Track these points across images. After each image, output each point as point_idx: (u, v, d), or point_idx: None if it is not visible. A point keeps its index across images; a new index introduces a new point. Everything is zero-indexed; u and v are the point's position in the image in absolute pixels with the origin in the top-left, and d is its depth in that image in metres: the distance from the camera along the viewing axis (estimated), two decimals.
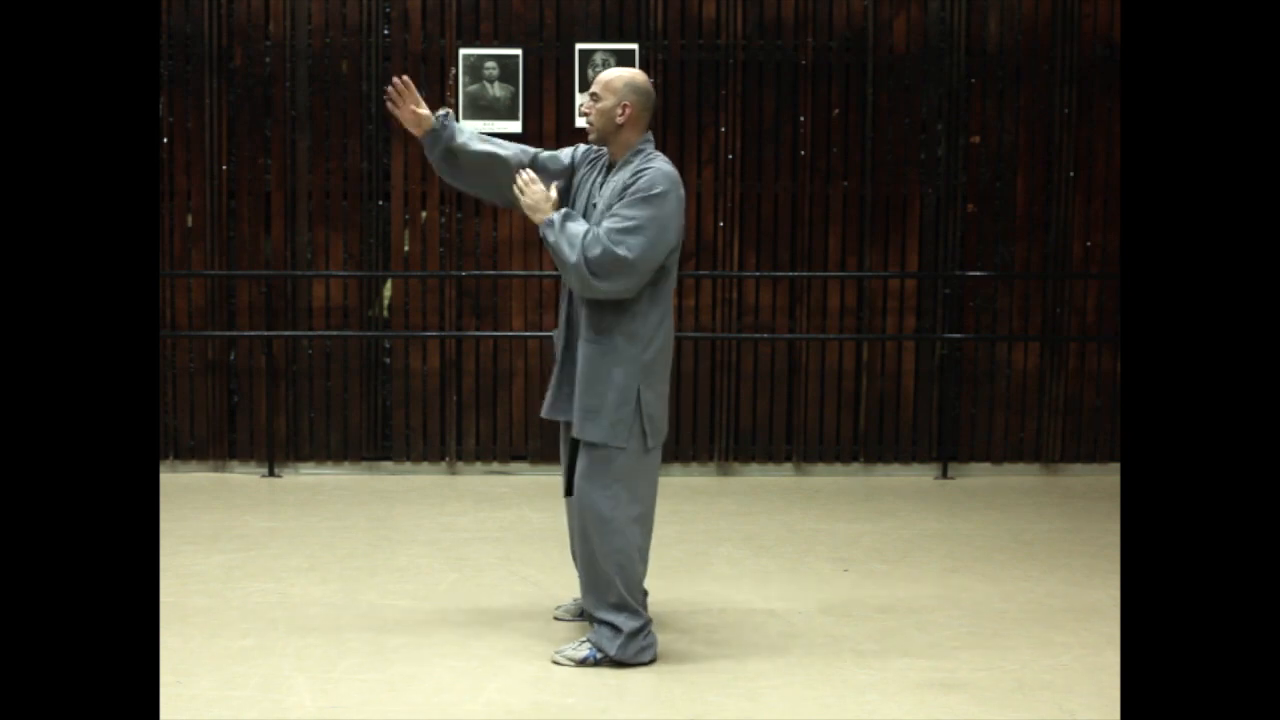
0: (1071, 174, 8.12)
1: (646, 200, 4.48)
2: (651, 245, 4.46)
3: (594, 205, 4.68)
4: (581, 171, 4.84)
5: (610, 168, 4.73)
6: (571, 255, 4.46)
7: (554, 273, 5.97)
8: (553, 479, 7.43)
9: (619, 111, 4.63)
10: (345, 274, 7.99)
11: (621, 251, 4.42)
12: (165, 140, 7.93)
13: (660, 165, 4.59)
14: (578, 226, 4.53)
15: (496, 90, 7.87)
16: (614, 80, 4.68)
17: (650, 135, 4.74)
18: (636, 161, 4.62)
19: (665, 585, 5.46)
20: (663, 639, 4.83)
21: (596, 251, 4.43)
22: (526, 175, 4.66)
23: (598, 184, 4.74)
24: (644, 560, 4.71)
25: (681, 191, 4.61)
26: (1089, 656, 4.78)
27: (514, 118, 7.88)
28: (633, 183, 4.52)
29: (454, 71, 7.92)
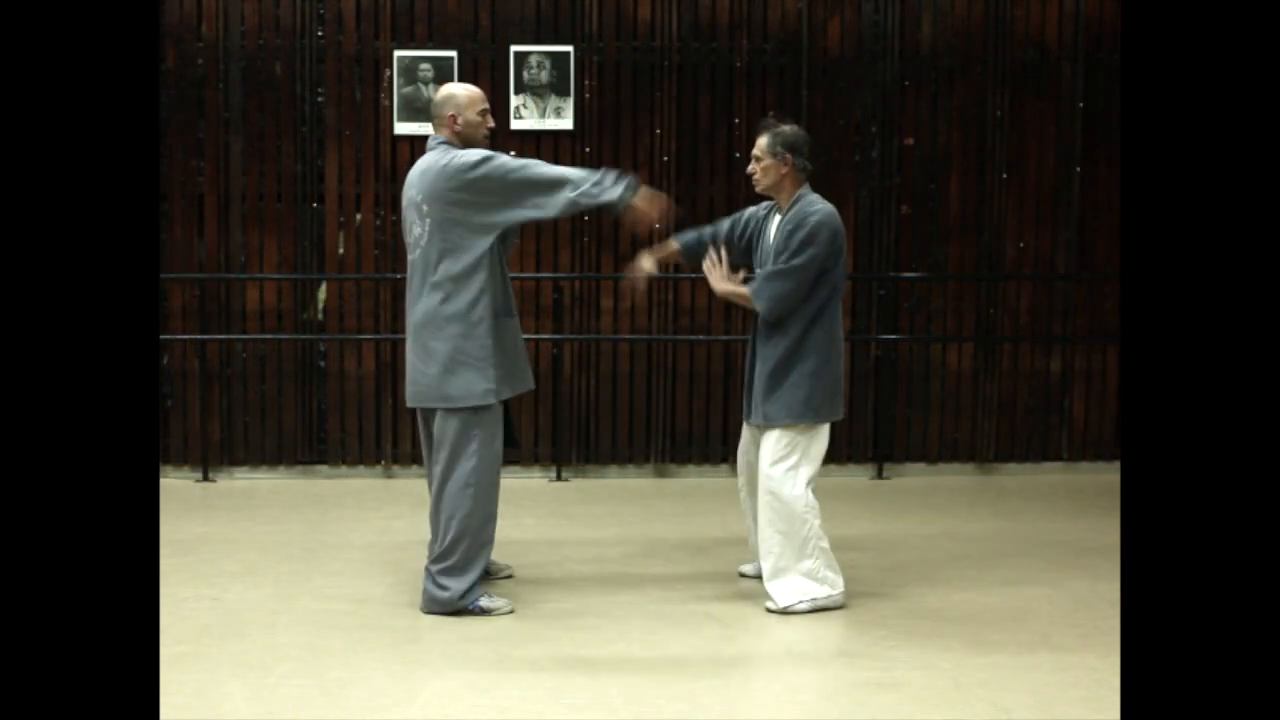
0: (1004, 176, 8.20)
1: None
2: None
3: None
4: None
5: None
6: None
7: None
8: None
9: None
10: (279, 277, 7.94)
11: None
12: None
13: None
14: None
15: (432, 92, 7.84)
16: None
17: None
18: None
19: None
20: (599, 637, 4.85)
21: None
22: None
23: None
24: None
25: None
26: (1022, 656, 4.82)
27: None
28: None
29: (388, 73, 7.88)
